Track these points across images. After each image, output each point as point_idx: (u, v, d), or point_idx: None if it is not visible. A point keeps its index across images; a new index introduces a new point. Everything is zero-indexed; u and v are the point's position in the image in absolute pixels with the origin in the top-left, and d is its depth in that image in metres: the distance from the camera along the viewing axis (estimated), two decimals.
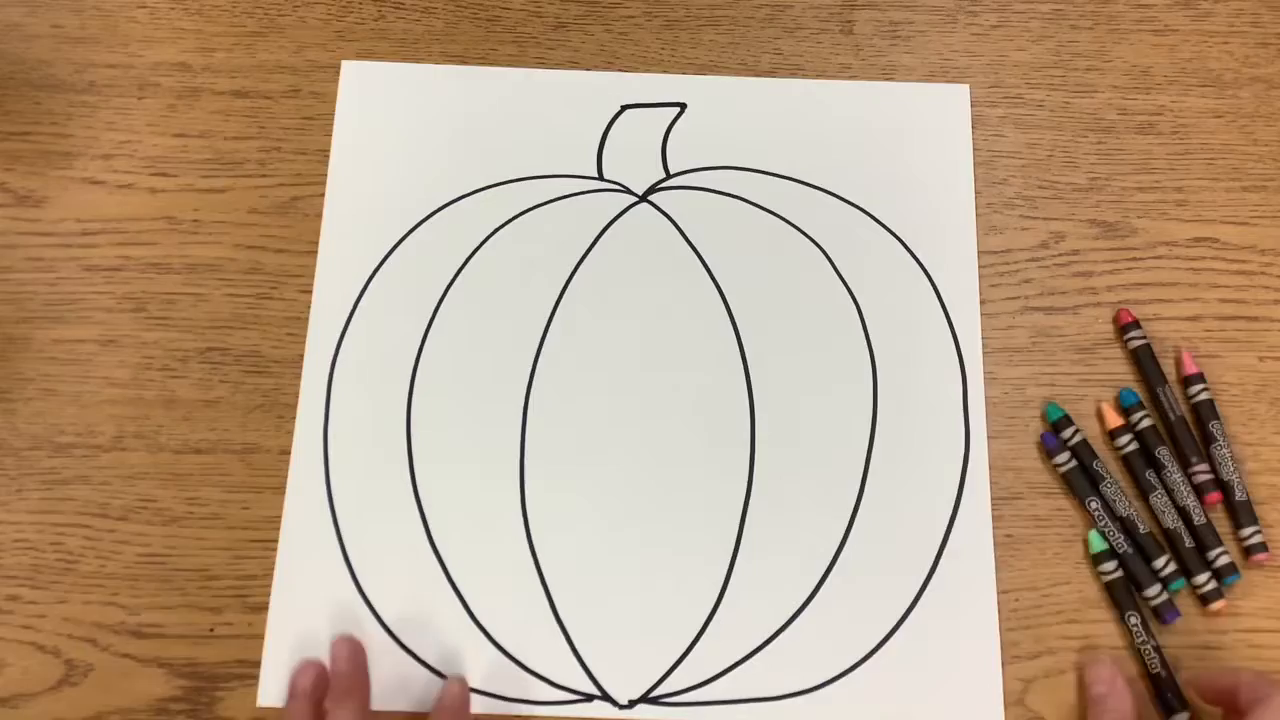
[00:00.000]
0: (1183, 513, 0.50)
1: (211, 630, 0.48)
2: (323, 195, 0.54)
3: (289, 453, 0.50)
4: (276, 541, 0.49)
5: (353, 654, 0.46)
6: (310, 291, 0.52)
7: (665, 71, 0.57)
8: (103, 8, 0.57)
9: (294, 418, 0.50)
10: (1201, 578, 0.49)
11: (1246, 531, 0.50)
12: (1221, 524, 0.50)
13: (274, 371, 0.51)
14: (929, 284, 0.53)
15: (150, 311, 0.52)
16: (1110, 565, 0.49)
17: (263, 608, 0.48)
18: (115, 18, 0.57)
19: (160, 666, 0.47)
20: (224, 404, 0.51)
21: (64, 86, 0.55)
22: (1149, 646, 0.47)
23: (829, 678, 0.47)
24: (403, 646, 0.48)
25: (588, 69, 0.57)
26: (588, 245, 0.53)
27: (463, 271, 0.53)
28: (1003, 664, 0.48)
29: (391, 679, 0.47)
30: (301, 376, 0.51)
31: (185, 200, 0.54)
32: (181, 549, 0.49)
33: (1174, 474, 0.50)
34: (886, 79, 0.57)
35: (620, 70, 0.57)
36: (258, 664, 0.47)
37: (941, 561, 0.49)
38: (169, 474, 0.50)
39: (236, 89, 0.56)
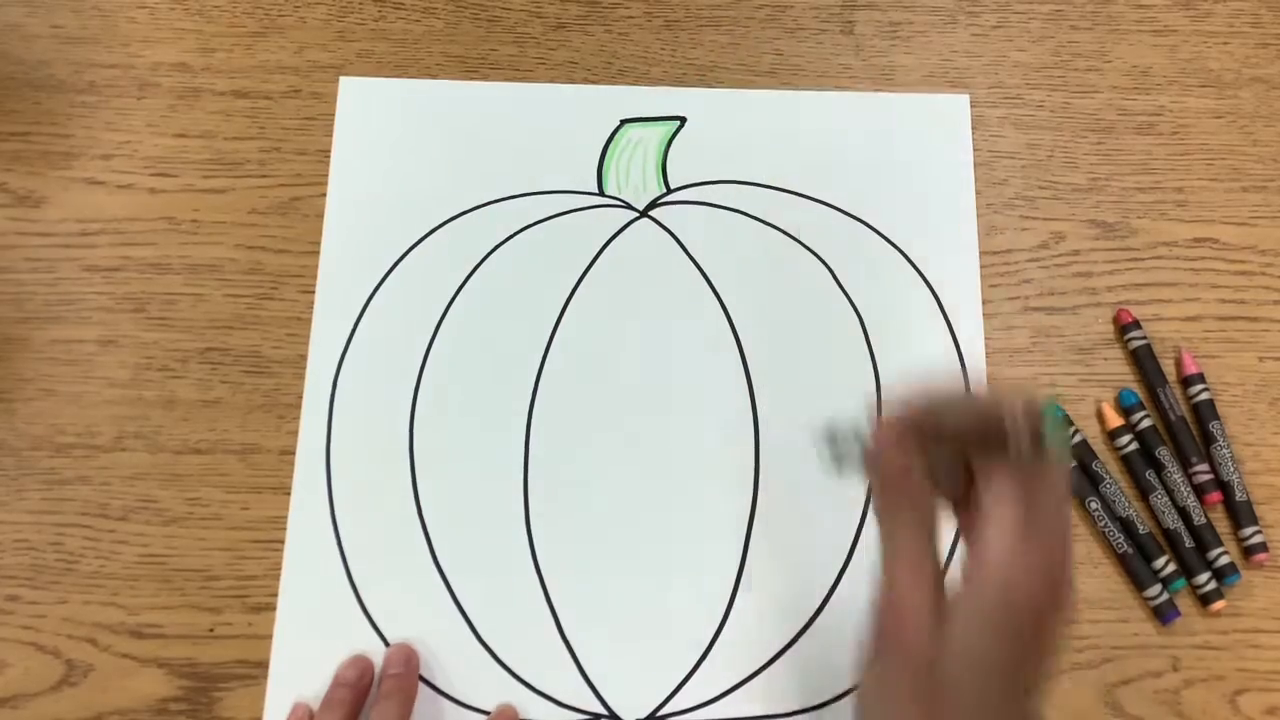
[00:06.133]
0: (1183, 513, 0.50)
1: (211, 630, 0.48)
2: (323, 196, 0.54)
3: (289, 453, 0.50)
4: (276, 541, 0.49)
5: (408, 659, 0.47)
6: (311, 292, 0.52)
7: (665, 71, 0.57)
8: (103, 8, 0.57)
9: (295, 418, 0.50)
10: (1202, 578, 0.49)
11: (1246, 531, 0.50)
12: (1221, 524, 0.50)
13: (274, 371, 0.51)
14: (931, 295, 0.53)
15: (150, 311, 0.52)
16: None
17: (263, 608, 0.48)
18: (115, 18, 0.57)
19: (160, 666, 0.47)
20: (224, 404, 0.51)
21: (64, 86, 0.55)
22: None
23: (837, 694, 0.47)
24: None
25: (588, 69, 0.57)
26: (589, 261, 0.53)
27: (465, 286, 0.53)
28: None
29: None
30: (305, 378, 0.51)
31: (185, 200, 0.54)
32: (181, 549, 0.49)
33: (1174, 474, 0.50)
34: (887, 79, 0.57)
35: (620, 70, 0.57)
36: (258, 664, 0.47)
37: (948, 570, 0.49)
38: (169, 474, 0.50)
39: (236, 89, 0.56)
